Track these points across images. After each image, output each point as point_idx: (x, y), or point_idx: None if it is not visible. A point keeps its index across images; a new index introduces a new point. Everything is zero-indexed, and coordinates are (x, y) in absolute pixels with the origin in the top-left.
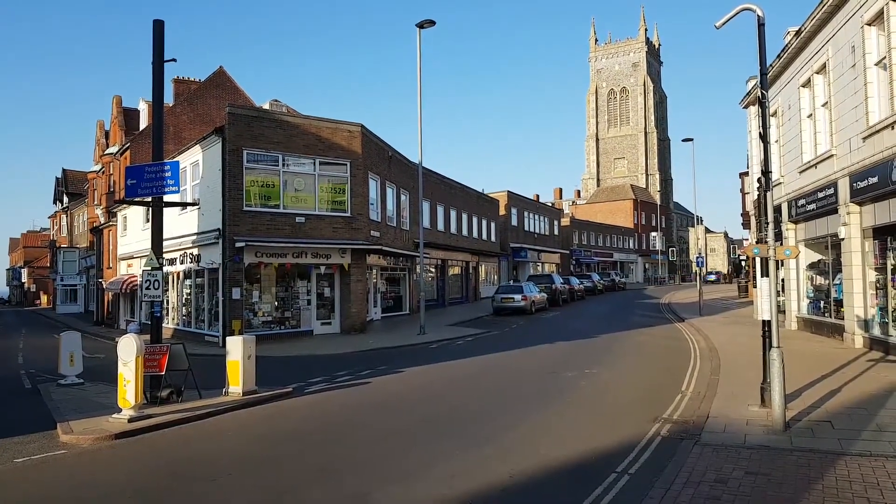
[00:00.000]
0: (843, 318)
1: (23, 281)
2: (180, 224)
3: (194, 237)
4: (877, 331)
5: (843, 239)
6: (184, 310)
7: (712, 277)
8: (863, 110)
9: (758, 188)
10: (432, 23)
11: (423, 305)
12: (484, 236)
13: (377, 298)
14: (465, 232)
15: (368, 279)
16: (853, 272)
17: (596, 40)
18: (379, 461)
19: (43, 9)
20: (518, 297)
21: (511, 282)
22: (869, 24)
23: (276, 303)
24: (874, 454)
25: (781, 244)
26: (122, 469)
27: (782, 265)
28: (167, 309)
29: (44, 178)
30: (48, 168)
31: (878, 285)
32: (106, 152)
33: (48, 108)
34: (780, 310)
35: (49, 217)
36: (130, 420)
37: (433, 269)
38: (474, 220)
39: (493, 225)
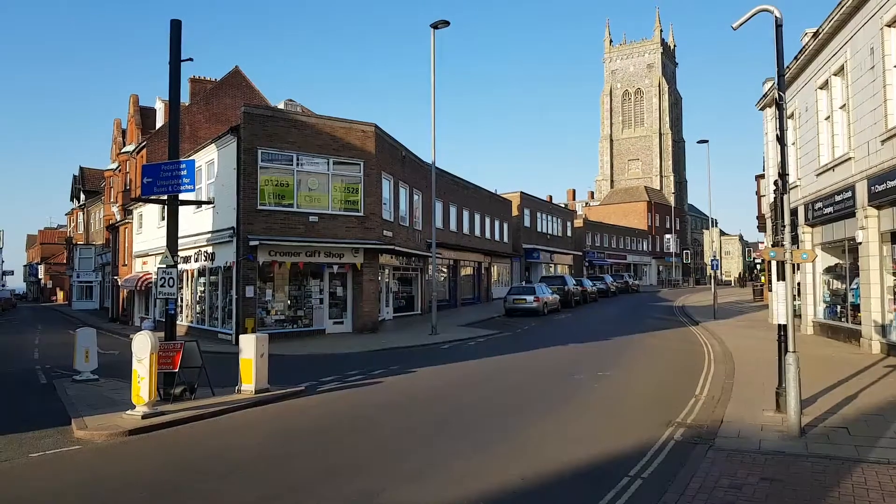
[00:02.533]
0: (859, 323)
1: (39, 277)
2: (195, 222)
3: (209, 235)
4: (894, 336)
5: (860, 243)
6: (198, 307)
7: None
8: (881, 113)
9: (774, 191)
10: (446, 23)
11: (435, 306)
12: (496, 237)
13: (389, 298)
14: (477, 232)
15: (381, 279)
16: (871, 277)
17: (611, 41)
18: (390, 460)
19: (59, 6)
20: (530, 298)
21: (523, 283)
22: (889, 26)
23: (289, 301)
24: (892, 462)
25: (798, 248)
26: (135, 465)
27: (798, 269)
28: (181, 306)
29: (61, 175)
30: (65, 166)
31: (895, 290)
32: (122, 150)
33: (66, 106)
34: (796, 314)
35: (66, 214)
36: (144, 416)
37: (445, 270)
38: (487, 220)
39: (505, 226)
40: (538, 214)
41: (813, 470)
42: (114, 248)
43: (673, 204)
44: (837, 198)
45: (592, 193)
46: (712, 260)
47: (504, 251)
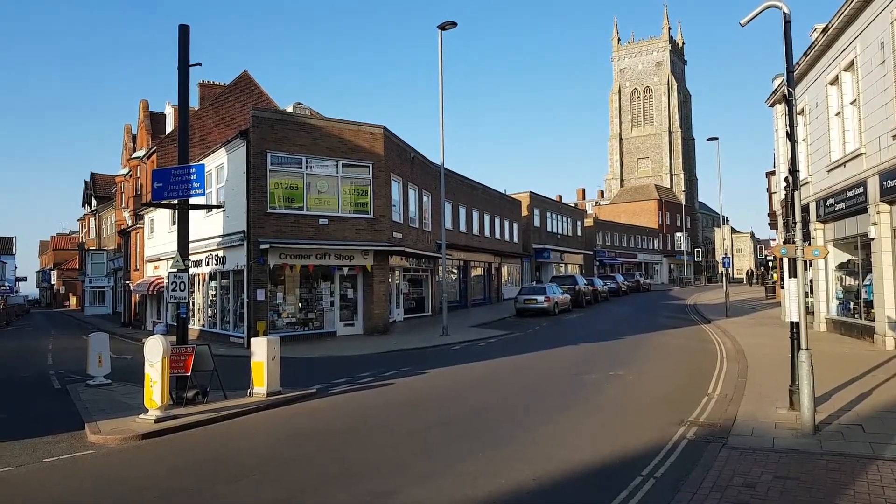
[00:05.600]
0: (873, 320)
1: (52, 283)
2: (206, 226)
3: (219, 239)
4: None
5: (872, 239)
6: (209, 311)
7: None
8: (892, 108)
9: (785, 188)
10: (454, 24)
11: (446, 307)
12: (506, 237)
13: (399, 300)
14: (487, 233)
15: (391, 280)
16: (883, 272)
17: (619, 39)
18: (402, 461)
19: (68, 13)
20: (541, 298)
21: (534, 283)
22: None
23: (300, 304)
24: None
25: (809, 244)
26: (149, 469)
27: (810, 266)
28: (193, 310)
29: (73, 181)
30: (77, 172)
31: None
32: (133, 156)
33: (76, 112)
34: (809, 311)
35: (78, 220)
36: (157, 420)
37: (455, 271)
38: (496, 221)
39: (515, 226)
40: (548, 214)
41: (828, 468)
42: (125, 252)
43: (683, 202)
44: (849, 194)
45: (602, 192)
46: (724, 258)
47: (514, 251)
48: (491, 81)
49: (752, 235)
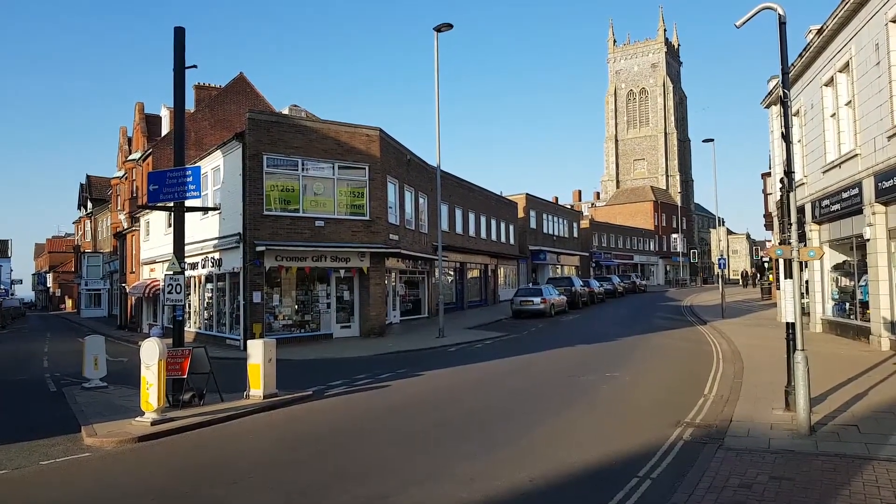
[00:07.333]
0: (869, 321)
1: (48, 285)
2: (202, 228)
3: (216, 241)
4: None
5: (868, 239)
6: (205, 313)
7: None
8: (887, 109)
9: (780, 189)
10: (450, 26)
11: (442, 308)
12: (503, 239)
13: (396, 301)
14: (483, 235)
15: (387, 282)
16: (879, 273)
17: (614, 41)
18: (398, 463)
19: (65, 17)
20: (537, 299)
21: (530, 284)
22: (893, 22)
23: (296, 306)
24: None
25: (805, 245)
26: (145, 471)
27: (806, 267)
28: (189, 313)
29: (68, 184)
30: (72, 174)
31: None
32: (129, 158)
33: (72, 114)
34: (805, 312)
35: (73, 222)
36: (153, 423)
37: (452, 272)
38: (493, 222)
39: (511, 227)
40: (544, 216)
41: (823, 468)
42: (121, 255)
43: (679, 203)
44: (844, 195)
45: (598, 194)
46: (719, 259)
47: (510, 253)
48: (487, 83)
49: (748, 237)
